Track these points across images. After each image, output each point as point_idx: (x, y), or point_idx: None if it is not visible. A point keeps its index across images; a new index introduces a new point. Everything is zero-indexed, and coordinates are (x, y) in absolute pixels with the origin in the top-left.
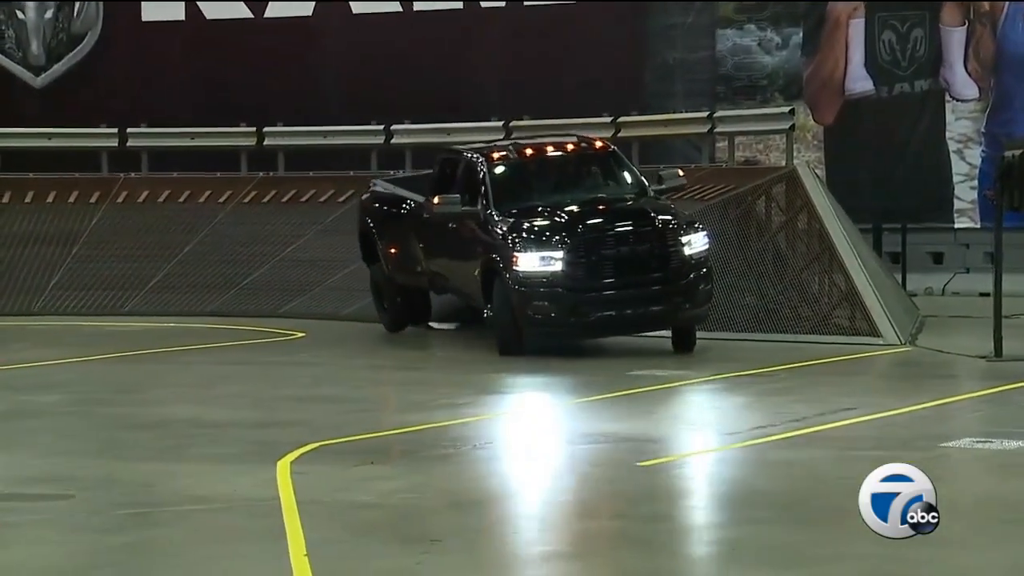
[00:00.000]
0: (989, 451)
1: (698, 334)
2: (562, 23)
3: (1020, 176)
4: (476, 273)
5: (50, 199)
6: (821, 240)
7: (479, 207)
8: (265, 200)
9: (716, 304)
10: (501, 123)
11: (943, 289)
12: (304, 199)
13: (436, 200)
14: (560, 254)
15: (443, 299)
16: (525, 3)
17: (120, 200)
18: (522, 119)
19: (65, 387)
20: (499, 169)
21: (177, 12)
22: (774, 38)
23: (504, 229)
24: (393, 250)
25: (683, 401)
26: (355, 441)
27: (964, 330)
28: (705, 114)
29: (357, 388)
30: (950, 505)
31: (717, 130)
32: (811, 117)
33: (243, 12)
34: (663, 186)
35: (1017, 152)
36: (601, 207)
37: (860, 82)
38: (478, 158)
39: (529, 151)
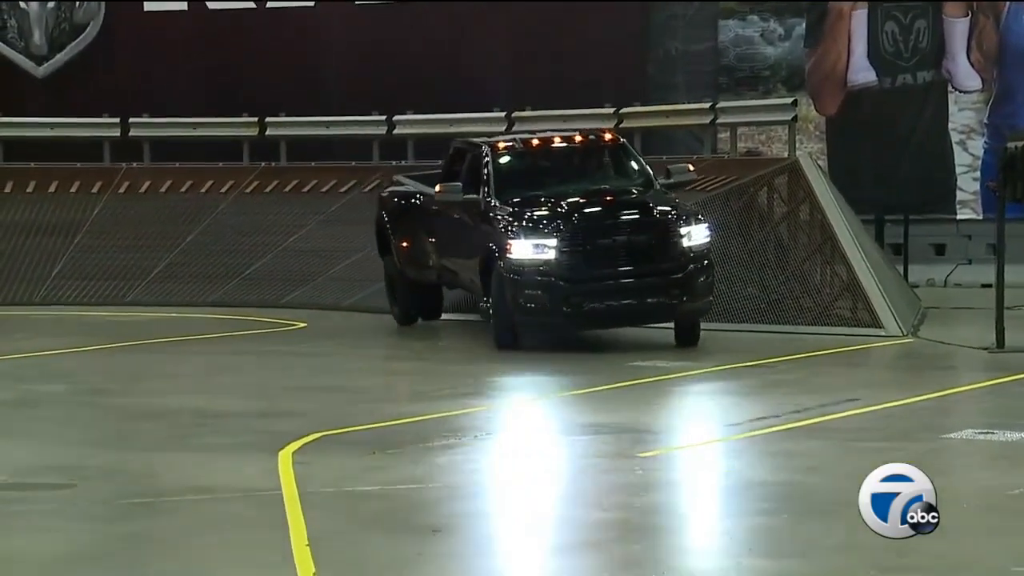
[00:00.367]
0: (991, 442)
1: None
2: (565, 14)
3: (1023, 167)
4: (476, 264)
5: (52, 189)
6: (823, 231)
7: (481, 196)
8: (267, 190)
9: (718, 295)
10: (503, 114)
11: (945, 280)
12: (306, 189)
13: (438, 188)
14: (554, 242)
15: (458, 292)
16: None
17: (122, 190)
18: (524, 110)
19: (68, 377)
20: (503, 159)
21: (179, 3)
22: (777, 29)
23: (502, 217)
24: (405, 244)
25: (685, 392)
26: (357, 431)
27: (966, 321)
28: (707, 105)
29: (359, 378)
30: (952, 496)
31: (719, 121)
32: (813, 108)
33: (246, 3)
34: (671, 180)
35: (1020, 143)
36: (601, 198)
37: (863, 73)
38: (483, 147)
39: (535, 142)
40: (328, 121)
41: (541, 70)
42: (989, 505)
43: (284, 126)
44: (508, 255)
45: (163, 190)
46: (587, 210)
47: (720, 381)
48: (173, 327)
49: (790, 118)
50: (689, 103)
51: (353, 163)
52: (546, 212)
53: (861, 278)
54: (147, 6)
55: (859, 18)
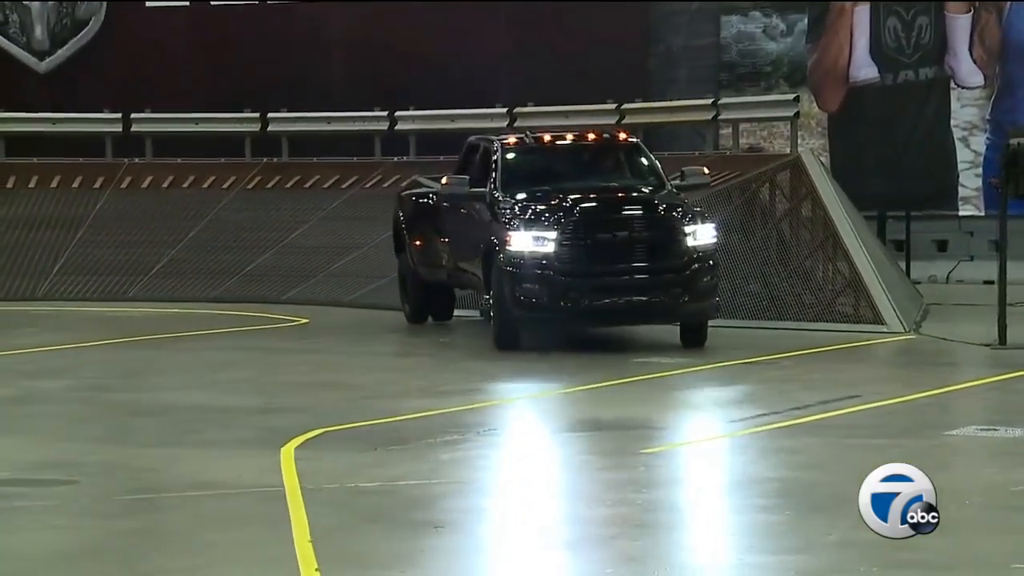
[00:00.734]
0: (993, 439)
1: None
2: (567, 10)
3: None
4: (479, 258)
5: (54, 184)
6: (825, 227)
7: (488, 189)
8: (269, 186)
9: (720, 292)
10: (505, 110)
11: (947, 277)
12: (308, 185)
13: (444, 180)
14: (554, 234)
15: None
16: None
17: (124, 185)
18: (527, 106)
19: (70, 372)
20: (512, 154)
21: None
22: (779, 25)
23: (505, 210)
24: (418, 243)
25: (687, 388)
26: (359, 427)
27: (968, 318)
28: (709, 101)
29: (361, 374)
30: (954, 493)
31: (721, 117)
32: (816, 104)
33: None
34: (685, 182)
35: (1022, 139)
36: (606, 194)
37: (865, 69)
38: (494, 142)
39: (547, 138)
40: (330, 117)
41: (543, 66)
42: (991, 502)
43: (286, 122)
44: (507, 247)
45: (165, 186)
46: (589, 204)
47: (722, 377)
48: (175, 323)
49: (792, 114)
50: (691, 99)
51: (355, 159)
52: (548, 205)
53: (863, 274)
54: (149, 2)
55: (861, 14)
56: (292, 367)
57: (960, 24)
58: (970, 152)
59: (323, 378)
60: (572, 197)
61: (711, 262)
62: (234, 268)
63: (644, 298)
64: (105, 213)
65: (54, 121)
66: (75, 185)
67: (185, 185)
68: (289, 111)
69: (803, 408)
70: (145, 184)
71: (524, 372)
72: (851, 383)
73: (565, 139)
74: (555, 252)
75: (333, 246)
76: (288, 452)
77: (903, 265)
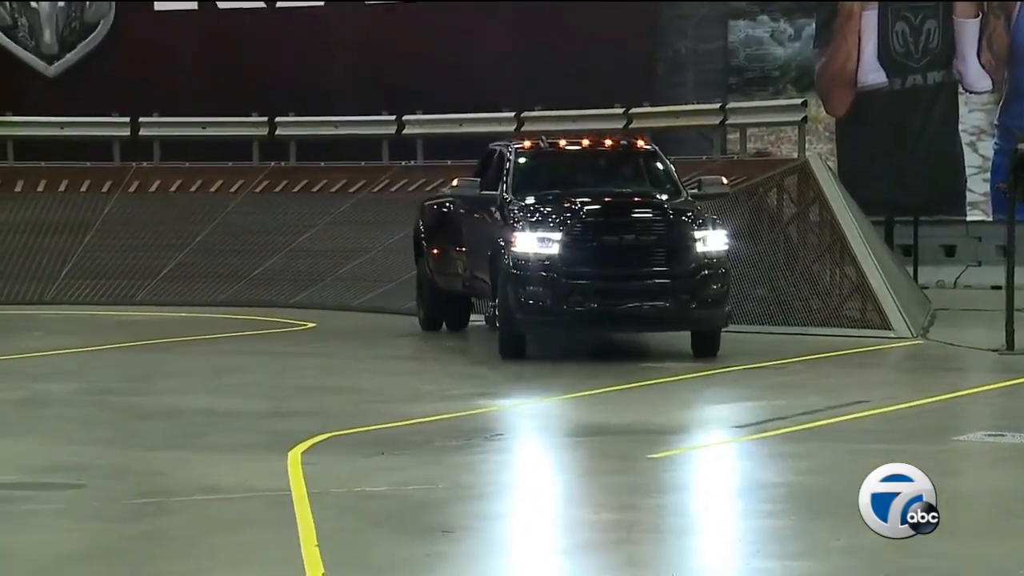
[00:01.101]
0: (1001, 444)
1: None
2: (574, 14)
3: None
4: (487, 262)
5: (62, 188)
6: (833, 232)
7: (499, 192)
8: (276, 190)
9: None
10: (513, 114)
11: (955, 282)
12: (315, 189)
13: (455, 182)
14: (558, 235)
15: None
16: None
17: (132, 189)
18: (534, 110)
19: (78, 376)
20: (526, 157)
21: (190, 3)
22: (787, 29)
23: (512, 212)
24: (436, 251)
25: (694, 393)
26: (366, 432)
27: (976, 323)
28: (717, 105)
29: (368, 379)
30: (962, 498)
31: (729, 122)
32: (823, 109)
33: (256, 3)
34: (702, 191)
35: None
36: (617, 198)
37: (872, 74)
38: (508, 146)
39: (562, 143)
40: (337, 121)
41: (551, 70)
42: (998, 507)
43: (293, 126)
44: (512, 247)
45: (173, 190)
46: (596, 206)
47: (729, 382)
48: (182, 327)
49: (800, 119)
50: (698, 103)
51: (363, 163)
52: (555, 207)
53: (871, 279)
54: (157, 5)
55: (869, 18)
56: (299, 371)
57: (968, 28)
58: (978, 157)
59: (330, 382)
60: (580, 200)
61: (722, 269)
62: (241, 272)
63: (650, 304)
64: (113, 217)
65: (62, 125)
66: (83, 189)
67: (193, 189)
68: (297, 115)
69: (811, 413)
70: (153, 188)
71: (531, 377)
72: (859, 388)
73: (580, 144)
74: (559, 254)
75: (340, 250)
76: (295, 456)
77: (911, 270)
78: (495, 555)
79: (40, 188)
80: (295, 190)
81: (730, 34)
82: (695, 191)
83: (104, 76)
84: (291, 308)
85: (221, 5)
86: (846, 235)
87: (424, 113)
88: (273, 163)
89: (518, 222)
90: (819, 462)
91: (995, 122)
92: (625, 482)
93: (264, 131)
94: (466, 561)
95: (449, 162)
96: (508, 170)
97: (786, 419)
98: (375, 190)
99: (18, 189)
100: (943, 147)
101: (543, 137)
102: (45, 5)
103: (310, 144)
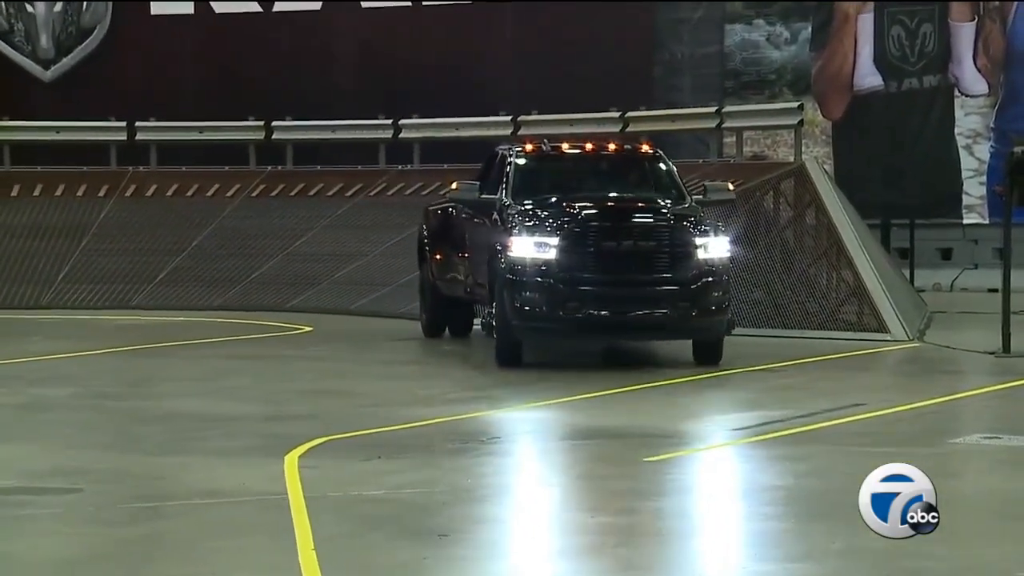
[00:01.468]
0: (997, 447)
1: None
2: (571, 18)
3: None
4: (485, 268)
5: (59, 192)
6: (829, 235)
7: (498, 196)
8: (273, 194)
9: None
10: (509, 118)
11: (951, 285)
12: (312, 193)
13: (454, 185)
14: (555, 240)
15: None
16: None
17: (128, 194)
18: (531, 114)
19: (75, 380)
20: (526, 161)
21: (186, 6)
22: (783, 33)
23: (511, 216)
24: (438, 257)
25: (691, 397)
26: (363, 435)
27: (972, 326)
28: (713, 109)
29: (364, 382)
30: (959, 501)
31: (725, 125)
32: (820, 112)
33: (252, 6)
34: (707, 197)
35: None
36: (616, 203)
37: (869, 77)
38: (509, 149)
39: (564, 147)
40: (334, 125)
41: (547, 74)
42: (995, 510)
43: (290, 130)
44: (508, 252)
45: (169, 194)
46: (594, 210)
47: (726, 386)
48: (179, 331)
49: (796, 122)
50: (695, 107)
51: (359, 167)
52: (553, 211)
53: (867, 282)
54: (154, 9)
55: (865, 22)
56: (296, 375)
57: (964, 32)
58: (974, 160)
59: (327, 386)
60: (579, 204)
61: (725, 277)
62: (238, 276)
63: (649, 311)
64: (109, 221)
65: (59, 129)
66: (80, 193)
67: (189, 193)
68: (293, 119)
69: (808, 416)
70: (149, 192)
71: (528, 381)
72: (855, 391)
73: (583, 148)
74: (556, 259)
75: (337, 254)
76: (292, 460)
77: (907, 273)
78: (492, 559)
79: (36, 192)
80: (292, 194)
81: (726, 38)
82: (700, 197)
83: (101, 80)
84: (288, 312)
85: (218, 9)
86: (843, 238)
87: (421, 117)
88: (270, 167)
89: (515, 226)
90: (816, 465)
91: (991, 125)
92: (622, 485)
93: (261, 135)
94: (463, 565)
95: (446, 166)
96: (508, 174)
97: (783, 422)
98: (372, 194)
99: (14, 194)
100: (939, 150)
101: (545, 140)
102: (41, 9)
103: (307, 148)
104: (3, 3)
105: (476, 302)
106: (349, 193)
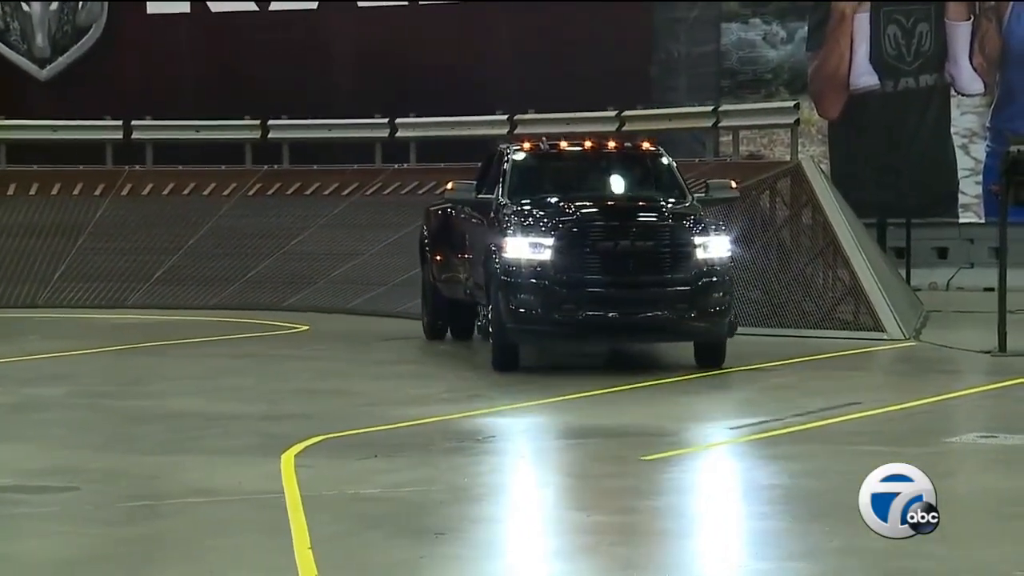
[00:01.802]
0: (993, 446)
1: None
2: (568, 17)
3: None
4: (481, 269)
5: (55, 191)
6: (825, 235)
7: (495, 195)
8: (269, 193)
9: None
10: (506, 117)
11: (947, 284)
12: (308, 192)
13: (450, 185)
14: (551, 241)
15: None
16: None
17: (125, 192)
18: (527, 113)
19: (71, 380)
20: (523, 160)
21: (182, 5)
22: (779, 32)
23: (506, 216)
24: (439, 258)
25: (687, 395)
26: (359, 434)
27: (968, 325)
28: (710, 108)
29: (361, 381)
30: (955, 500)
31: (722, 124)
32: (816, 111)
33: (248, 5)
34: (709, 196)
35: (1022, 147)
36: (614, 202)
37: (865, 77)
38: (507, 148)
39: (563, 145)
40: (330, 124)
41: (544, 73)
42: (992, 509)
43: (286, 129)
44: (503, 253)
45: (165, 193)
46: (590, 210)
47: (722, 385)
48: (175, 330)
49: (792, 121)
50: (691, 106)
51: (355, 166)
52: (549, 211)
53: (863, 282)
54: (150, 8)
55: (861, 21)
56: (292, 374)
57: (960, 32)
58: (970, 159)
59: (323, 385)
60: (575, 203)
61: (727, 277)
62: (234, 275)
63: (647, 313)
64: (106, 220)
65: (55, 128)
66: (76, 192)
67: (186, 192)
68: (289, 118)
69: (804, 415)
70: (146, 191)
71: (524, 380)
72: (851, 390)
73: (582, 146)
74: (552, 260)
75: (334, 253)
76: (288, 459)
77: (903, 272)
78: (489, 558)
79: (32, 191)
80: (288, 193)
81: (723, 37)
82: (702, 196)
83: (97, 79)
84: (284, 311)
85: (214, 8)
86: (839, 238)
87: (418, 116)
88: (266, 166)
89: (510, 227)
90: (813, 464)
91: (987, 125)
92: (619, 484)
93: (257, 134)
94: (459, 564)
95: (442, 165)
96: (505, 173)
97: (780, 421)
98: (368, 193)
99: (10, 192)
100: (935, 150)
101: (543, 139)
102: (37, 8)
103: (303, 147)
104: None
105: (476, 303)
106: (345, 192)
